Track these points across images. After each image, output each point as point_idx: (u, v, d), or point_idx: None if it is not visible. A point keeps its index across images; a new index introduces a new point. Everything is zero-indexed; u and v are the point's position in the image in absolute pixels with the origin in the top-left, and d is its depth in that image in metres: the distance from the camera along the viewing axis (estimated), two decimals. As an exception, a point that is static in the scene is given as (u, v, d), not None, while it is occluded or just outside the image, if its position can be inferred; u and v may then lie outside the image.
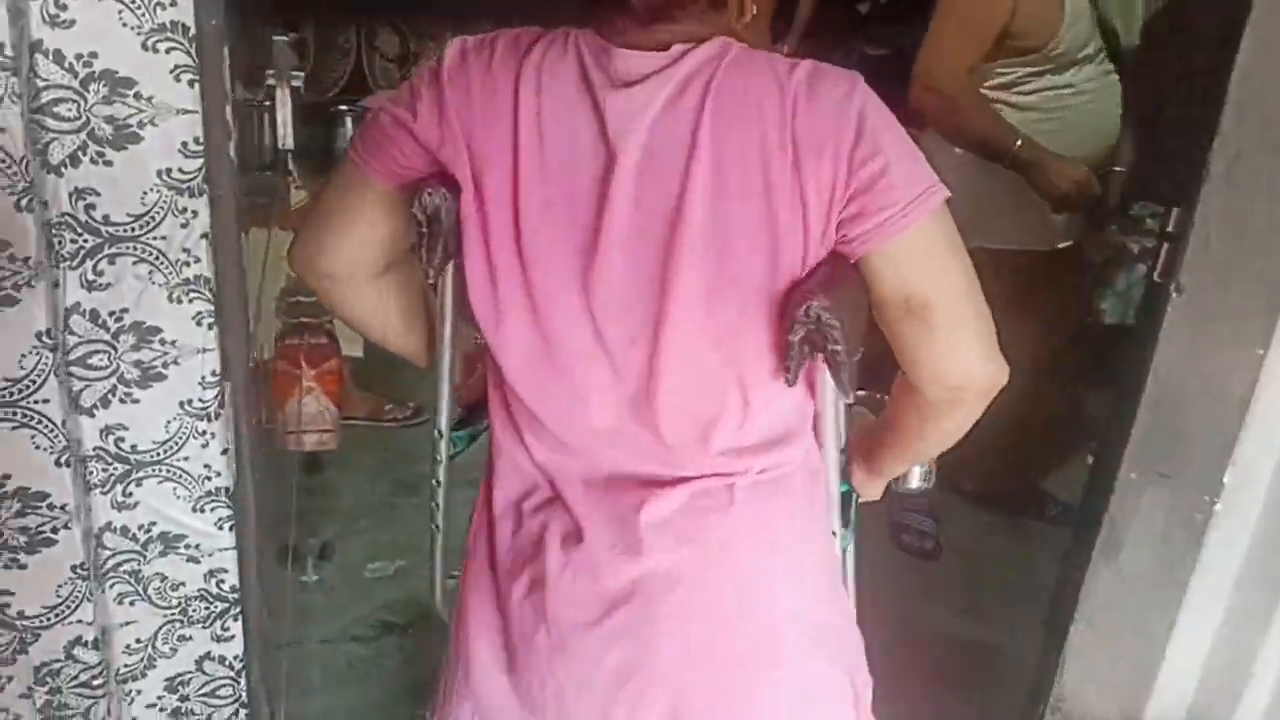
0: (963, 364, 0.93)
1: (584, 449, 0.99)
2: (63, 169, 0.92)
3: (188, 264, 0.98)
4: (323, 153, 3.21)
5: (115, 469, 1.00)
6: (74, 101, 0.90)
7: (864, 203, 0.86)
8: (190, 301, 1.00)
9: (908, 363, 0.95)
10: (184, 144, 0.95)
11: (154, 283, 0.97)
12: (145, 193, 0.94)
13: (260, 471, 2.08)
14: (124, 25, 0.89)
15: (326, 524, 2.55)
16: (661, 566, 0.96)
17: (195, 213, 0.97)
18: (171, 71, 0.93)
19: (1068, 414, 2.75)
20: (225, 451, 1.05)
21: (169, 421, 1.02)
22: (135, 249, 0.95)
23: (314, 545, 2.42)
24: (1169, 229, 1.38)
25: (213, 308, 1.00)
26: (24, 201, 0.88)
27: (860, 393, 1.12)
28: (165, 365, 1.00)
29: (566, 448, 1.00)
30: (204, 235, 0.98)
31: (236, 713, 1.15)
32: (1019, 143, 2.11)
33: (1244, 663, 1.50)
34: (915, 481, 1.21)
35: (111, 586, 1.05)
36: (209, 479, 1.05)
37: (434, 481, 1.39)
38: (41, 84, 0.89)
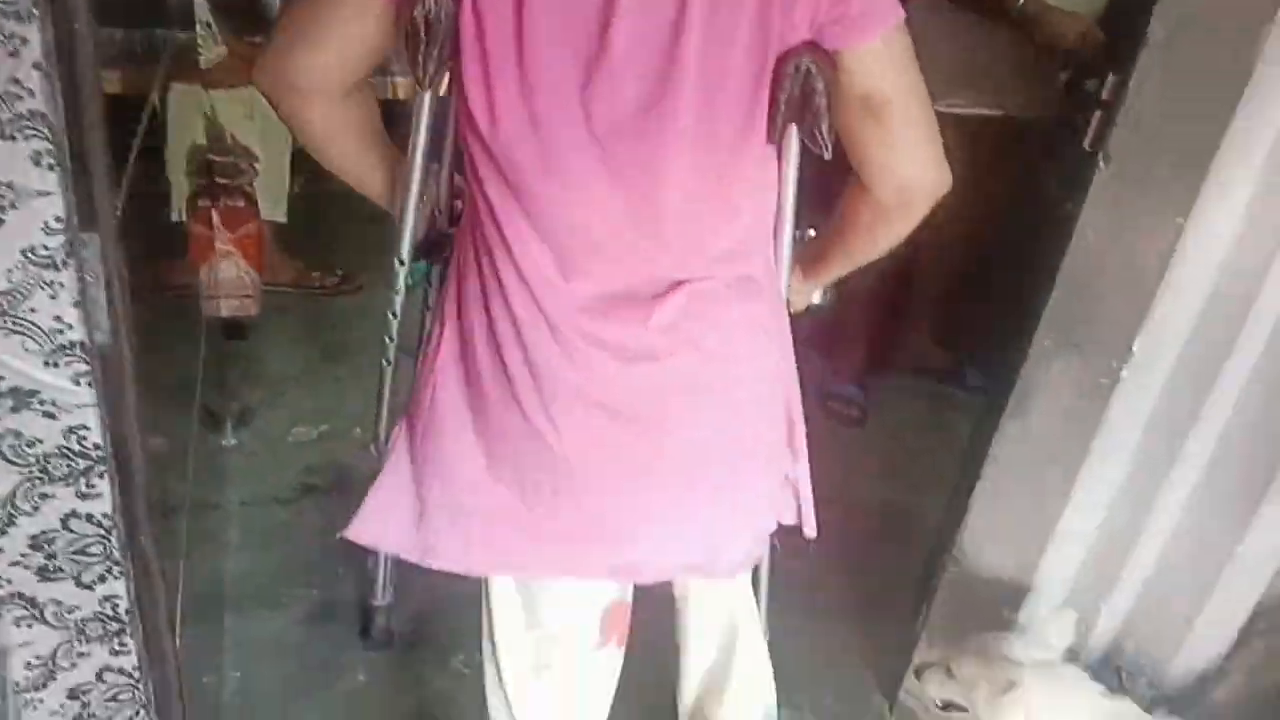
0: (912, 162, 1.04)
1: (579, 268, 1.03)
2: None
3: (19, 98, 0.91)
4: (247, 4, 3.04)
5: (-47, 321, 0.96)
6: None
7: (840, 11, 0.97)
8: (26, 139, 0.93)
9: (864, 163, 1.05)
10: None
11: (-21, 117, 0.90)
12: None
13: (169, 335, 2.04)
14: None
15: (249, 390, 2.52)
16: (674, 367, 1.07)
17: (24, 39, 0.90)
18: None
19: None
20: (78, 304, 1.00)
21: (9, 270, 0.97)
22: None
23: (234, 410, 2.39)
24: (1104, 97, 1.35)
25: (51, 146, 0.93)
26: None
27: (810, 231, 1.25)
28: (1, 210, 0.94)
29: (564, 267, 1.03)
30: (36, 66, 0.91)
31: (110, 569, 1.14)
32: None
33: (1134, 528, 1.54)
34: (817, 299, 1.34)
35: (-42, 448, 1.02)
36: (61, 332, 1.00)
37: (389, 313, 1.40)
38: None
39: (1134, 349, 1.38)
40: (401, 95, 2.39)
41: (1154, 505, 1.50)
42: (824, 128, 1.02)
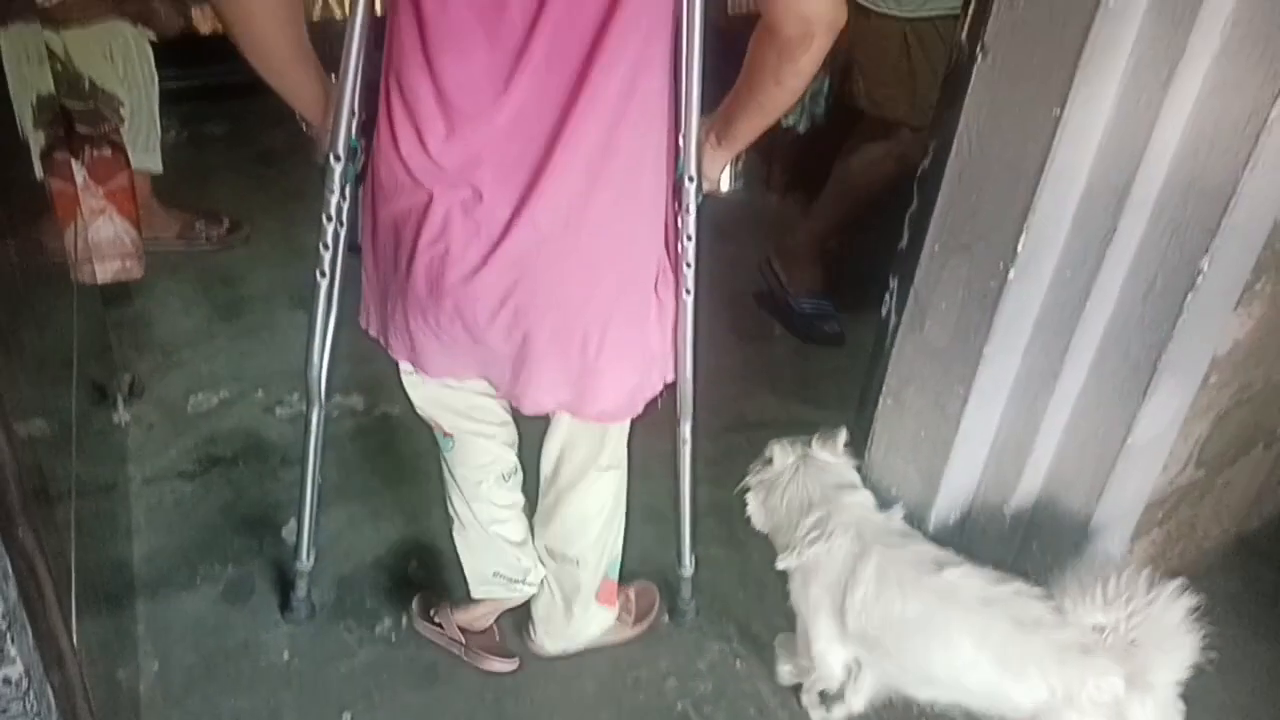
0: None
1: (491, 137, 1.19)
2: None
3: None
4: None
5: None
6: None
7: None
8: None
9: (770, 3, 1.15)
10: None
11: None
12: None
13: (45, 306, 1.86)
14: None
15: (139, 359, 2.35)
16: (555, 205, 1.22)
17: None
18: None
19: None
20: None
21: None
22: None
23: (124, 382, 2.22)
24: None
25: None
26: None
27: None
28: None
29: (476, 135, 1.19)
30: None
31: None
32: None
33: (1030, 428, 1.53)
34: (726, 185, 1.42)
35: None
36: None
37: (324, 217, 1.41)
38: None
39: (1019, 248, 1.35)
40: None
41: (1048, 406, 1.50)
42: None
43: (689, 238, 1.36)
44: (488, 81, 1.17)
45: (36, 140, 2.21)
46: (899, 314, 1.55)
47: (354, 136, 1.35)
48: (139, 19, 2.44)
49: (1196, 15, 1.13)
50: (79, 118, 2.21)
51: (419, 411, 1.57)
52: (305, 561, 1.75)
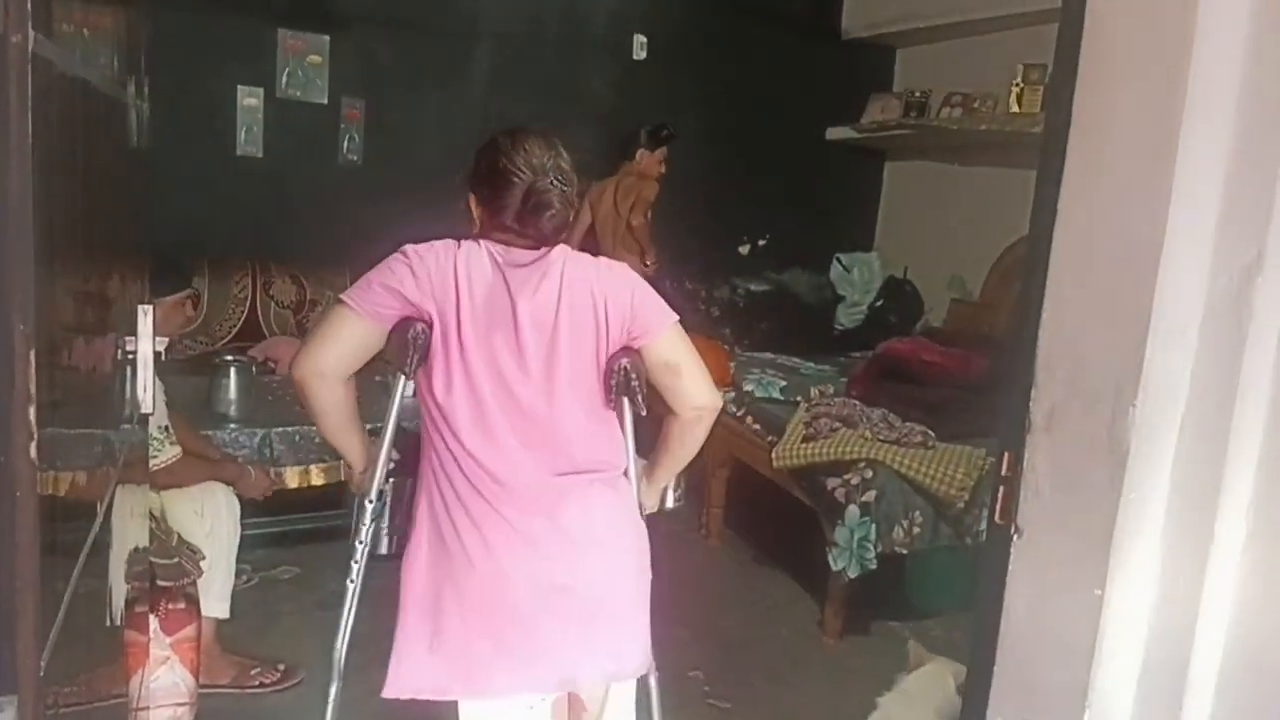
0: (699, 392, 1.80)
1: (509, 471, 1.68)
2: None
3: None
4: (203, 405, 3.12)
5: None
6: None
7: (642, 322, 1.75)
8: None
9: (672, 398, 1.80)
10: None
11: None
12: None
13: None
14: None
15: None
16: (577, 522, 1.72)
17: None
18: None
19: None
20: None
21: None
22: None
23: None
24: (1004, 472, 1.38)
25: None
26: None
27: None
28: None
29: (499, 473, 1.68)
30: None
31: None
32: None
33: None
34: (670, 503, 2.02)
35: None
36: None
37: (356, 541, 1.90)
38: None
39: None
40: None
41: None
42: (639, 399, 1.77)
43: None
44: None
45: (120, 590, 2.33)
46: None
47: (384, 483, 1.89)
48: (233, 481, 2.67)
49: (1217, 506, 1.20)
50: (161, 571, 2.34)
51: None
52: None
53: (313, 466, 3.20)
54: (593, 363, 1.73)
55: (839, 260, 5.50)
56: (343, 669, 1.88)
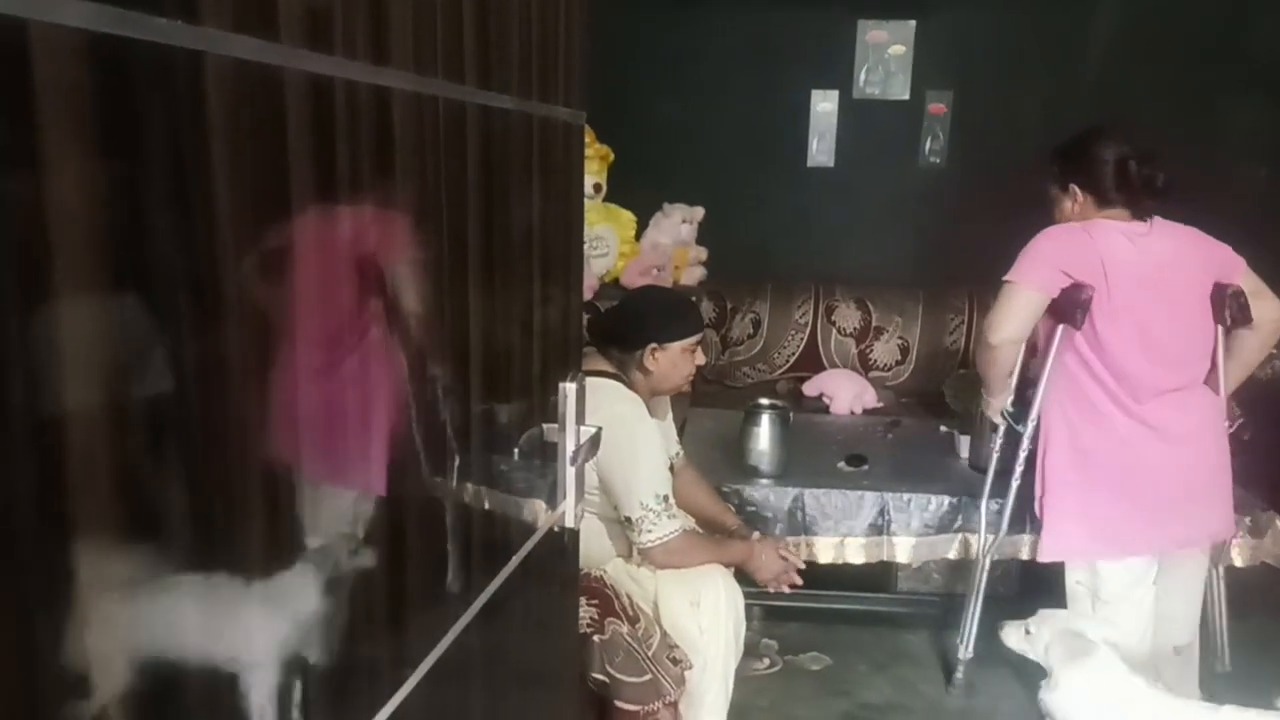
0: (1274, 310, 2.34)
1: (1145, 385, 2.23)
2: None
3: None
4: (732, 448, 2.70)
5: None
6: None
7: (1227, 272, 2.32)
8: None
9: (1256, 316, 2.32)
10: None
11: None
12: None
13: None
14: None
15: None
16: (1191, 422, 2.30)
17: None
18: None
19: None
20: None
21: None
22: None
23: None
24: None
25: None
26: None
27: None
28: None
29: (1141, 387, 2.23)
30: None
31: None
32: None
33: None
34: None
35: None
36: None
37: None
38: None
39: None
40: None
41: None
42: (1245, 314, 2.27)
43: None
44: None
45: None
46: None
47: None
48: (741, 563, 2.19)
49: None
50: (628, 691, 1.93)
51: None
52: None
53: (848, 540, 2.62)
54: (1202, 301, 2.30)
55: None
56: None
